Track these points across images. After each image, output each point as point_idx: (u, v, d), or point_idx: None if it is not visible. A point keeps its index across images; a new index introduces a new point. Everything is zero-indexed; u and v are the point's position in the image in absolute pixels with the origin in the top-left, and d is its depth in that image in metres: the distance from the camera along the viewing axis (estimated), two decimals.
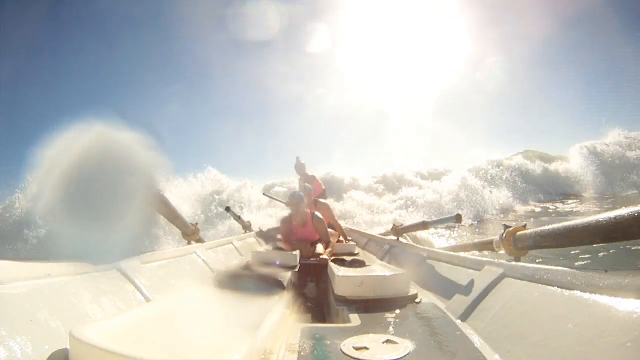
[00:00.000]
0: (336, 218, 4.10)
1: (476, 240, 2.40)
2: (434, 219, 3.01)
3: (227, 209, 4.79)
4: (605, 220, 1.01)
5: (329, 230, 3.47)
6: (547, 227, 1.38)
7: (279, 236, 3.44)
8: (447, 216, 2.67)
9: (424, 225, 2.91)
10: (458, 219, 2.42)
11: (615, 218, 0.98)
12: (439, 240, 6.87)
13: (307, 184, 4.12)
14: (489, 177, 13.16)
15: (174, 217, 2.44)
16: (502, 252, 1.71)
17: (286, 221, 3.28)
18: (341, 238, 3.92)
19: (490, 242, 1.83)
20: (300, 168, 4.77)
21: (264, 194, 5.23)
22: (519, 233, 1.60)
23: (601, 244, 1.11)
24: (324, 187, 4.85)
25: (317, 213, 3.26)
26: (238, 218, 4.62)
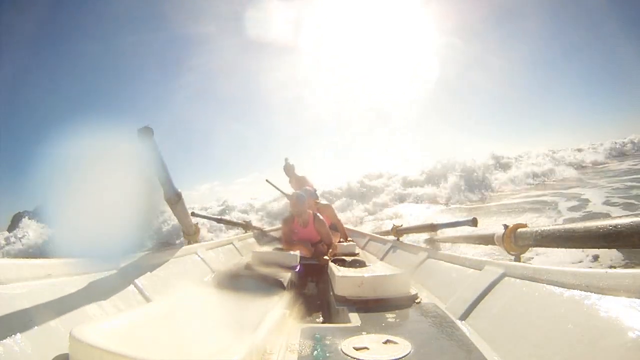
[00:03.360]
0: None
1: (479, 232, 2.32)
2: (445, 222, 2.80)
3: (192, 214, 4.78)
4: (607, 227, 1.01)
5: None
6: (548, 227, 1.38)
7: (276, 240, 3.43)
8: (461, 219, 2.51)
9: (432, 227, 2.75)
10: (474, 222, 2.30)
11: (617, 226, 0.98)
12: None
13: (307, 187, 4.09)
14: None
15: (184, 216, 2.40)
16: (503, 248, 1.70)
17: (287, 221, 3.27)
18: (341, 238, 3.91)
19: (492, 236, 1.82)
20: (289, 169, 4.71)
21: (266, 180, 5.19)
22: (519, 230, 1.60)
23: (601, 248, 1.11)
24: (315, 188, 4.82)
25: (318, 214, 3.25)
26: (212, 219, 4.53)
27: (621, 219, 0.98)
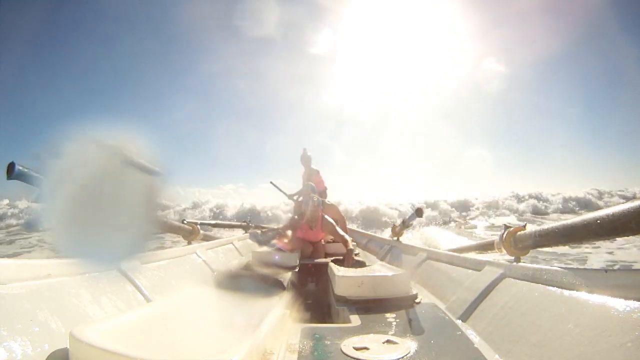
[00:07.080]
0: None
1: (478, 242, 2.42)
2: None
3: (182, 222, 4.89)
4: (603, 217, 1.00)
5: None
6: (546, 226, 1.38)
7: (276, 240, 3.41)
8: (411, 213, 3.04)
9: (403, 224, 3.19)
10: (419, 212, 2.77)
11: (612, 215, 0.96)
12: None
13: (310, 182, 4.07)
14: None
15: (175, 228, 2.43)
16: (504, 252, 1.71)
17: (294, 222, 3.25)
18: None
19: (492, 243, 1.83)
20: (305, 160, 4.69)
21: (270, 182, 5.19)
22: (518, 233, 1.60)
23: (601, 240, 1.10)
24: (325, 185, 4.79)
25: (327, 217, 3.24)
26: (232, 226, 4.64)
27: (614, 207, 0.96)
